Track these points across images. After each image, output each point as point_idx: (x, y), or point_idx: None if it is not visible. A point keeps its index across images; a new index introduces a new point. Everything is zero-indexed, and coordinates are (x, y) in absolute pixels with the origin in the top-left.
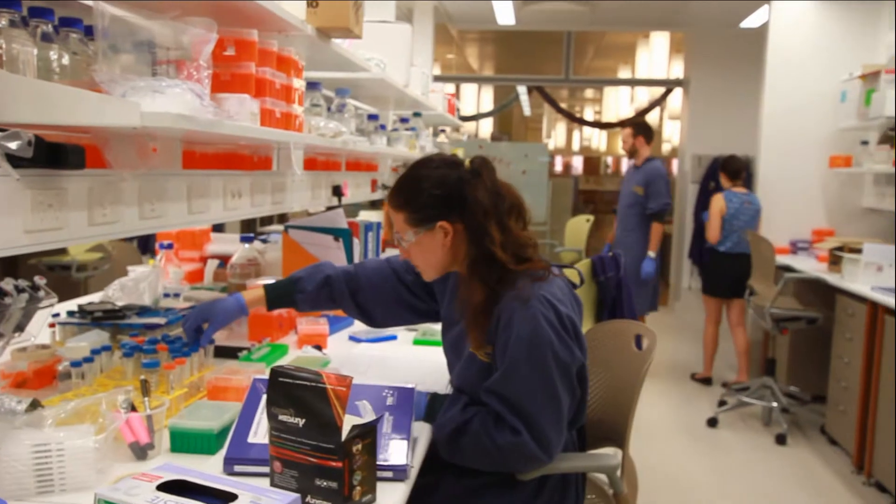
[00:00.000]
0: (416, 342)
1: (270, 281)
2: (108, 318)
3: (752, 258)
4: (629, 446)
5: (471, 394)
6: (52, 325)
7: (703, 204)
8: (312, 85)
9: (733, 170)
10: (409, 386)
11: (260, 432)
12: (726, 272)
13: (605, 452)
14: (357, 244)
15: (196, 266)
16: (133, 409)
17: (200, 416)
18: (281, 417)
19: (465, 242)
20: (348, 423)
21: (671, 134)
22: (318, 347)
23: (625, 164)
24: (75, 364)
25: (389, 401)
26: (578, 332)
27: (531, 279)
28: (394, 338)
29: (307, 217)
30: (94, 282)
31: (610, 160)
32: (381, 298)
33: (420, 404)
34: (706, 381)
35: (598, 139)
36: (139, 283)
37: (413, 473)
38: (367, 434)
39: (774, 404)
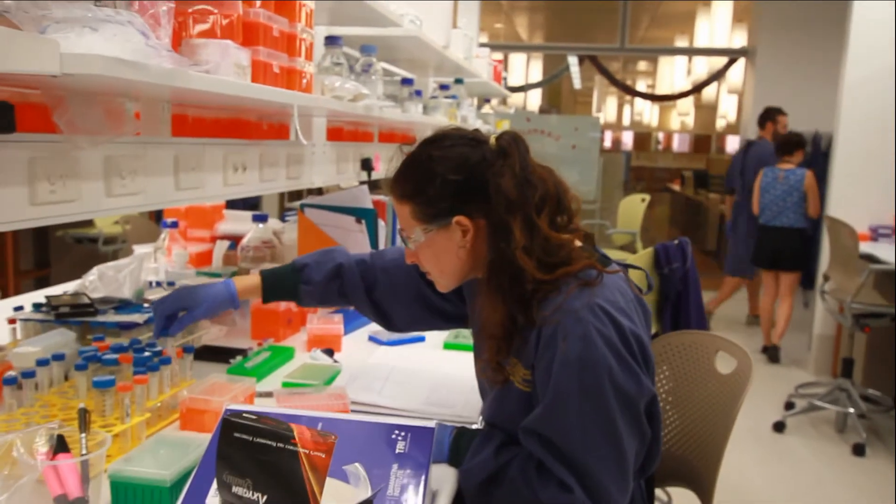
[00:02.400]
0: (447, 346)
1: None
2: (76, 314)
3: (830, 245)
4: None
5: (507, 430)
6: (11, 322)
7: None
8: (332, 40)
9: (780, 144)
10: (429, 426)
11: None
12: (763, 243)
13: None
14: (383, 227)
15: (205, 247)
16: (66, 448)
17: (155, 459)
18: (235, 490)
19: (486, 243)
20: (330, 497)
21: (727, 109)
22: (330, 352)
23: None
24: (8, 381)
25: (400, 447)
26: (647, 352)
27: (579, 283)
28: (421, 339)
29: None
30: (123, 255)
31: (661, 136)
32: (400, 297)
33: (442, 442)
34: (767, 350)
35: (649, 114)
36: (120, 272)
37: None
38: None
39: (851, 409)
